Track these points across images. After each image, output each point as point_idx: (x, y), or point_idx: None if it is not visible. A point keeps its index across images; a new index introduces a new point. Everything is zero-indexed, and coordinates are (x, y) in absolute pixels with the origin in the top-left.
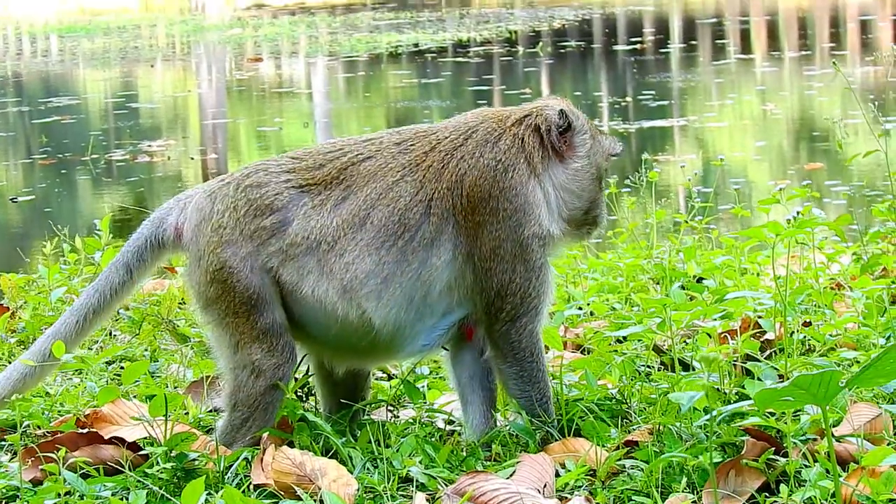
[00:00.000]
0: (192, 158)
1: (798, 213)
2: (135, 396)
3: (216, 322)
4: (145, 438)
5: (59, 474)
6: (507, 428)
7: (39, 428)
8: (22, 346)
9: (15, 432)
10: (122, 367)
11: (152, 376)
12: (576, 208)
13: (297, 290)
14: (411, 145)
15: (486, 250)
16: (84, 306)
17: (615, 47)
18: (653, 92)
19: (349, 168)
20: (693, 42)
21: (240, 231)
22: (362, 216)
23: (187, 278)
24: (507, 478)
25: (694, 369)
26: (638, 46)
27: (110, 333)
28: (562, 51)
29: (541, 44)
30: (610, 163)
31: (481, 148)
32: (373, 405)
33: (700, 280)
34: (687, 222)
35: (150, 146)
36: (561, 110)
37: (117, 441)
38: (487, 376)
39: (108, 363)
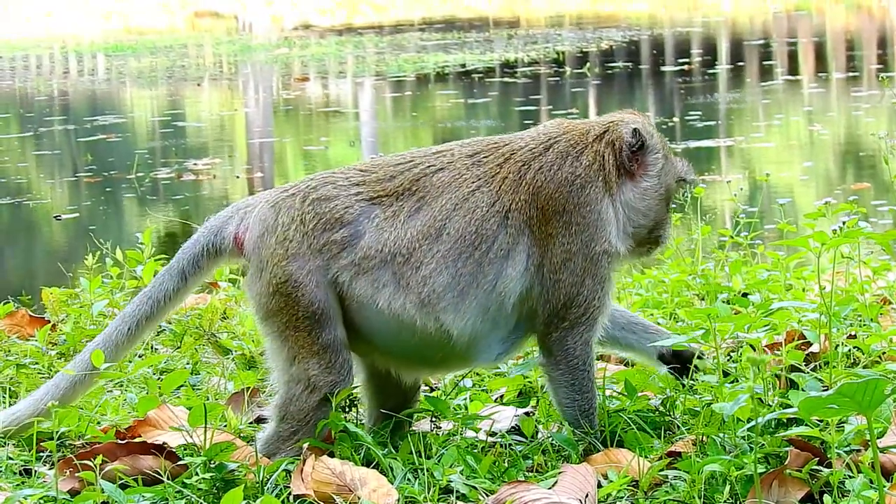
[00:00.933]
0: (238, 177)
1: (844, 223)
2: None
3: (276, 334)
4: (185, 448)
5: (96, 482)
6: (550, 439)
7: (80, 438)
8: (62, 358)
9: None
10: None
11: (193, 389)
12: (641, 226)
13: (372, 304)
14: (484, 157)
15: (556, 262)
16: (137, 313)
17: (663, 68)
18: (700, 112)
19: (421, 179)
20: (740, 63)
21: (308, 245)
22: (438, 227)
23: (248, 288)
24: (549, 488)
25: (738, 381)
26: (685, 67)
27: (152, 347)
28: (609, 71)
29: (588, 64)
30: (681, 187)
31: (561, 160)
32: (416, 416)
33: (745, 295)
34: (732, 237)
35: (195, 165)
36: (635, 129)
37: (156, 451)
38: None
39: (152, 374)
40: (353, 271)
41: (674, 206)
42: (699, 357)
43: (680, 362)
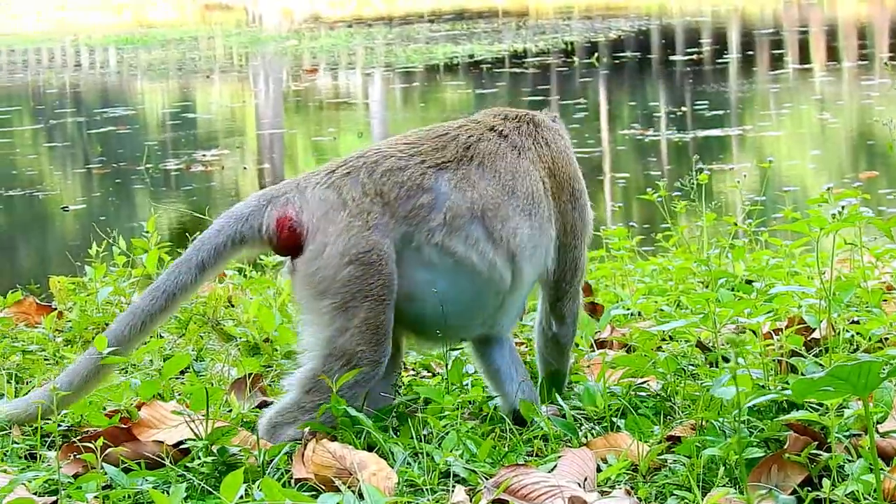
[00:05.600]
0: (245, 168)
1: (843, 207)
2: (179, 394)
3: (335, 305)
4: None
5: (97, 464)
6: (551, 423)
7: (85, 425)
8: (68, 345)
9: (60, 428)
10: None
11: (197, 375)
12: None
13: (465, 260)
14: (502, 131)
15: (568, 228)
16: (151, 307)
17: (672, 58)
18: (709, 102)
19: (471, 147)
20: (750, 53)
21: (391, 214)
22: (510, 185)
23: (303, 267)
24: (549, 472)
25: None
26: (695, 57)
27: (159, 336)
28: (618, 61)
29: (597, 54)
30: None
31: (551, 136)
32: (414, 402)
33: (749, 282)
34: (736, 225)
35: (204, 156)
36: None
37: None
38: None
39: (152, 361)
40: (446, 230)
41: None
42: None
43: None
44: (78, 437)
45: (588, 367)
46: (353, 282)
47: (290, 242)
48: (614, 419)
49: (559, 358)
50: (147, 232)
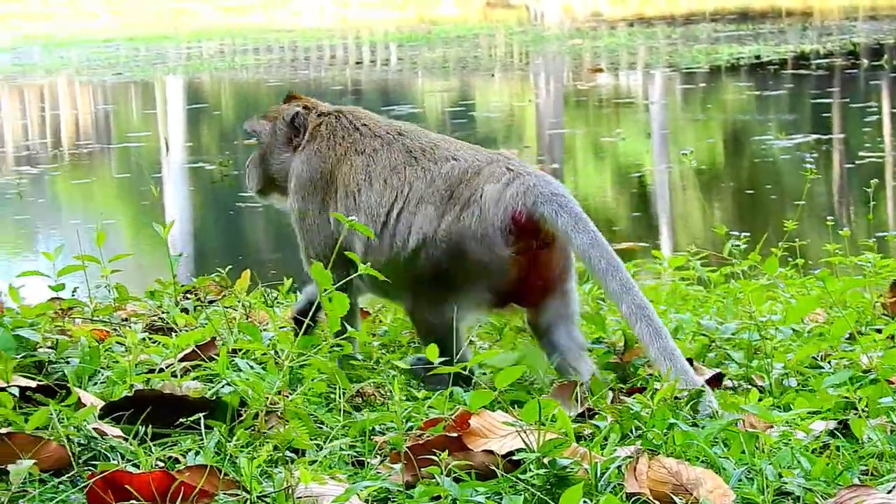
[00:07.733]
0: None
1: None
2: (499, 403)
3: None
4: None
5: (442, 475)
6: (888, 444)
7: (408, 432)
8: (384, 349)
9: (382, 435)
10: (483, 374)
11: (518, 383)
12: None
13: None
14: None
15: None
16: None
17: None
18: None
19: None
20: None
21: None
22: None
23: None
24: (888, 493)
25: None
26: None
27: (471, 341)
28: None
29: (885, 57)
30: None
31: None
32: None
33: None
34: None
35: None
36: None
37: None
38: None
39: (470, 370)
40: None
41: None
42: None
43: None
44: (408, 446)
45: None
46: None
47: None
48: None
49: None
50: None
